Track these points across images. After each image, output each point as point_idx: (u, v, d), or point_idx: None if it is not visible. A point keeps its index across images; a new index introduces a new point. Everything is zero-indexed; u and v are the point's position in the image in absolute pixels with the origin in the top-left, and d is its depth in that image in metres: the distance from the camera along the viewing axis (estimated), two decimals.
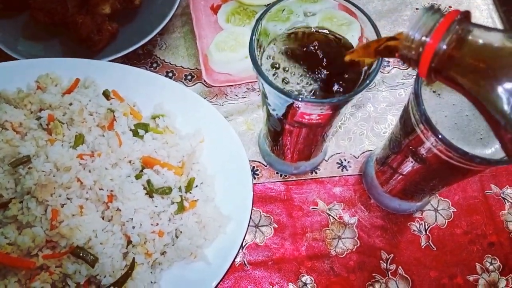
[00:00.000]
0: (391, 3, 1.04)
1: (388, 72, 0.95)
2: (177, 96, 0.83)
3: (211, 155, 0.80)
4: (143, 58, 0.97)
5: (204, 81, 0.91)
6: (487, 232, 0.79)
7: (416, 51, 0.40)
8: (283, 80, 0.57)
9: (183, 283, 0.71)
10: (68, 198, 0.68)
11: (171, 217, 0.72)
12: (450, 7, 1.04)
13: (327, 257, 0.77)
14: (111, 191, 0.69)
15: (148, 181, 0.71)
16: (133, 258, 0.68)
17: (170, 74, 0.95)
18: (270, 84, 0.52)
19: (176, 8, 0.95)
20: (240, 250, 0.77)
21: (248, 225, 0.74)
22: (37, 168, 0.67)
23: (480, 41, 0.37)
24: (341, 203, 0.81)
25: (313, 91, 0.56)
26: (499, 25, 1.00)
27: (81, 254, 0.64)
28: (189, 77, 0.95)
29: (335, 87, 0.56)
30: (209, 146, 0.81)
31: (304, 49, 0.59)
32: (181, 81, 0.94)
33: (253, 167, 0.85)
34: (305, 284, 0.75)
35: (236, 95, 0.92)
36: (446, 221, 0.80)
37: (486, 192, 0.82)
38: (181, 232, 0.71)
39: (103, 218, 0.69)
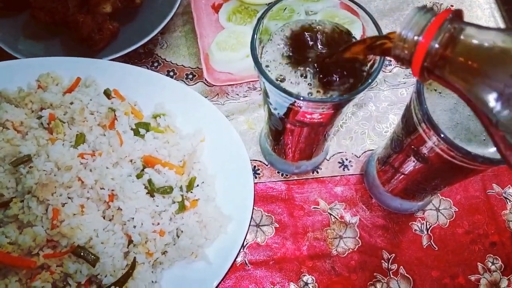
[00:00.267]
0: (393, 2, 1.04)
1: (389, 71, 0.95)
2: (178, 95, 0.83)
3: (212, 154, 0.80)
4: (144, 57, 0.96)
5: (205, 80, 0.91)
6: (489, 232, 0.79)
7: (409, 50, 0.40)
8: (282, 79, 0.57)
9: (184, 282, 0.70)
10: (69, 198, 0.67)
11: (172, 217, 0.72)
12: (452, 6, 1.03)
13: (328, 256, 0.77)
14: (112, 190, 0.69)
15: (149, 181, 0.71)
16: (134, 258, 0.68)
17: (171, 73, 0.95)
18: (272, 83, 0.52)
19: (177, 7, 0.95)
20: (241, 250, 0.77)
21: (249, 225, 0.74)
22: (38, 167, 0.67)
23: (472, 39, 0.37)
24: (343, 202, 0.81)
25: (315, 90, 0.55)
26: (501, 24, 1.00)
27: (82, 254, 0.64)
28: (190, 76, 0.95)
29: (337, 85, 0.55)
30: (210, 146, 0.80)
31: (306, 44, 0.58)
32: (182, 80, 0.94)
33: (254, 166, 0.85)
34: (306, 283, 0.75)
35: (237, 94, 0.92)
36: (448, 220, 0.80)
37: (488, 192, 0.82)
38: (182, 231, 0.71)
39: (104, 218, 0.69)
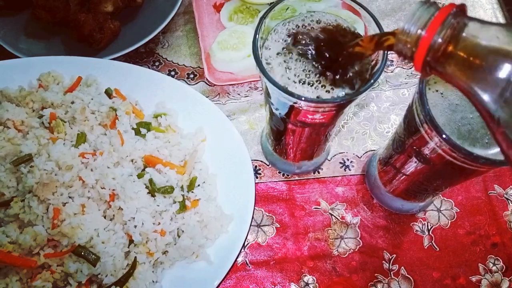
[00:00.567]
0: (394, 2, 1.04)
1: (391, 72, 0.95)
2: (179, 95, 0.83)
3: (213, 154, 0.80)
4: (145, 57, 0.96)
5: (207, 79, 0.90)
6: (490, 233, 0.79)
7: (412, 44, 0.39)
8: (287, 75, 0.56)
9: (185, 282, 0.70)
10: (70, 197, 0.67)
11: (173, 216, 0.72)
12: None
13: (329, 257, 0.77)
14: (113, 190, 0.69)
15: (150, 180, 0.71)
16: (135, 257, 0.68)
17: (173, 73, 0.95)
18: (274, 83, 0.52)
19: (179, 6, 0.95)
20: (242, 250, 0.77)
21: (250, 225, 0.74)
22: (39, 167, 0.66)
23: (475, 34, 0.37)
24: (344, 203, 0.81)
25: (317, 90, 0.55)
26: None
27: (82, 253, 0.64)
28: (192, 75, 0.94)
29: (341, 86, 0.55)
30: (211, 145, 0.80)
31: (308, 44, 0.58)
32: (183, 80, 0.94)
33: (256, 166, 0.85)
34: (307, 284, 0.75)
35: (239, 94, 0.92)
36: (449, 221, 0.80)
37: (490, 193, 0.82)
38: (183, 231, 0.71)
39: (105, 217, 0.69)
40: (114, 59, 0.88)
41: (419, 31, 0.39)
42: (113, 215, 0.69)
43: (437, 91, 0.55)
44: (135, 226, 0.68)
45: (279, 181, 0.83)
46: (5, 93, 0.79)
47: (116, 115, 0.76)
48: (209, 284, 0.69)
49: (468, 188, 0.82)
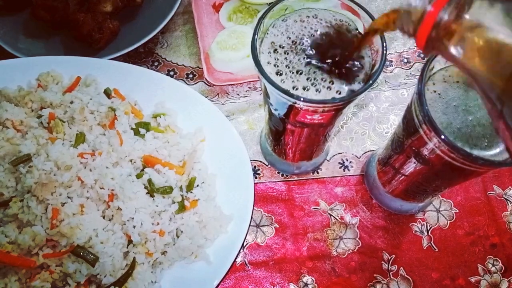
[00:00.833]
0: (393, 2, 1.03)
1: (390, 72, 0.95)
2: (178, 95, 0.83)
3: (213, 154, 0.79)
4: (144, 57, 0.96)
5: (206, 80, 0.90)
6: (489, 233, 0.79)
7: (416, 19, 0.38)
8: (285, 76, 0.56)
9: (184, 282, 0.70)
10: (68, 197, 0.67)
11: (172, 217, 0.72)
12: None
13: (328, 257, 0.77)
14: (112, 190, 0.68)
15: (149, 180, 0.71)
16: (134, 258, 0.68)
17: (172, 73, 0.95)
18: (272, 83, 0.52)
19: (178, 6, 0.95)
20: (241, 250, 0.77)
21: (249, 225, 0.74)
22: (38, 167, 0.66)
23: (482, 13, 0.35)
24: (343, 203, 0.81)
25: (316, 90, 0.55)
26: None
27: (81, 253, 0.64)
28: (191, 75, 0.94)
29: (340, 86, 0.55)
30: (211, 146, 0.80)
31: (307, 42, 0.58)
32: (182, 80, 0.94)
33: (255, 166, 0.85)
34: (306, 284, 0.75)
35: (238, 94, 0.92)
36: (448, 222, 0.80)
37: (489, 193, 0.82)
38: (182, 231, 0.71)
39: (103, 217, 0.69)
40: (113, 59, 0.87)
41: (424, 5, 0.37)
42: (112, 215, 0.69)
43: (435, 91, 0.55)
44: (134, 226, 0.68)
45: (278, 181, 0.83)
46: (4, 93, 0.79)
47: (115, 115, 0.76)
48: (208, 285, 0.69)
49: (467, 189, 0.82)
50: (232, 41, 0.89)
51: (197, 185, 0.75)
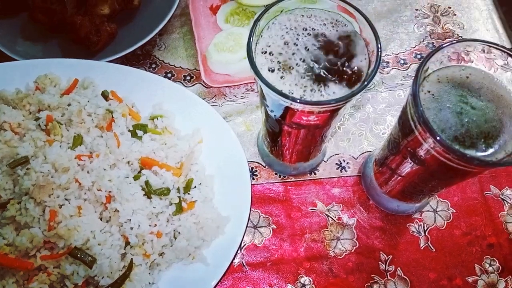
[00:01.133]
0: (390, 3, 1.04)
1: (387, 73, 0.95)
2: (176, 96, 0.83)
3: (210, 156, 0.80)
4: (142, 59, 0.96)
5: (203, 81, 0.91)
6: (486, 233, 0.79)
7: None
8: (281, 77, 0.57)
9: (181, 284, 0.71)
10: (66, 199, 0.68)
11: (169, 218, 0.72)
12: (449, 7, 1.03)
13: (325, 258, 0.77)
14: (110, 192, 0.69)
15: (147, 182, 0.71)
16: (131, 259, 0.68)
17: (169, 75, 0.95)
18: (268, 85, 0.52)
19: (175, 8, 0.95)
20: (239, 251, 0.77)
21: (247, 226, 0.74)
22: (36, 169, 0.67)
23: None
24: (340, 204, 0.81)
25: (312, 90, 0.55)
26: (499, 26, 1.00)
27: (79, 255, 0.64)
28: (188, 77, 0.95)
29: (335, 87, 0.55)
30: (208, 147, 0.80)
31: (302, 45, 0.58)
32: (180, 82, 0.94)
33: (252, 168, 0.85)
34: (303, 285, 0.75)
35: (235, 96, 0.92)
36: (445, 222, 0.80)
37: (486, 193, 0.82)
38: (179, 233, 0.71)
39: (101, 219, 0.69)
40: (111, 61, 0.88)
41: None
42: (109, 217, 0.69)
43: (429, 92, 0.55)
44: (132, 228, 0.68)
45: (275, 182, 0.84)
46: (2, 95, 0.79)
47: (112, 117, 0.77)
48: (205, 286, 0.69)
49: (464, 189, 0.82)
50: (229, 43, 0.89)
51: (195, 187, 0.75)
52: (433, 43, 0.98)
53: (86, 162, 0.70)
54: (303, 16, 0.60)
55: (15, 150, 0.70)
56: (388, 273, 0.76)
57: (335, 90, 0.55)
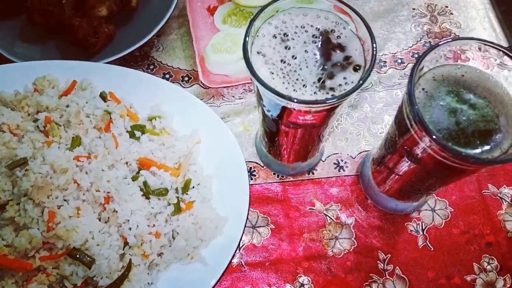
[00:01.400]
0: (387, 3, 1.04)
1: (384, 73, 0.95)
2: (174, 97, 0.83)
3: (208, 156, 0.80)
4: (140, 60, 0.97)
5: (201, 82, 0.91)
6: (484, 232, 0.79)
7: None
8: (277, 77, 0.57)
9: (180, 284, 0.71)
10: (64, 200, 0.68)
11: (167, 218, 0.72)
12: (446, 6, 1.04)
13: (324, 257, 0.77)
14: (108, 192, 0.69)
15: (145, 183, 0.71)
16: (130, 260, 0.68)
17: (167, 76, 0.95)
18: (264, 85, 0.52)
19: (173, 9, 0.96)
20: (237, 251, 0.77)
21: (245, 226, 0.74)
22: (34, 170, 0.67)
23: None
24: (338, 203, 0.81)
25: (308, 90, 0.56)
26: (496, 25, 1.00)
27: (78, 256, 0.64)
28: (186, 78, 0.95)
29: (331, 87, 0.56)
30: (206, 147, 0.81)
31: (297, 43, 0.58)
32: (178, 83, 0.94)
33: (250, 168, 0.85)
34: (302, 284, 0.75)
35: (233, 96, 0.92)
36: (443, 221, 0.80)
37: (483, 192, 0.82)
38: (177, 233, 0.72)
39: (99, 220, 0.70)
40: (109, 62, 0.88)
41: None
42: (108, 218, 0.70)
43: (423, 90, 0.55)
44: (130, 229, 0.68)
45: (273, 182, 0.84)
46: (0, 97, 0.79)
47: (110, 118, 0.77)
48: (204, 286, 0.69)
49: (462, 188, 0.82)
50: (227, 44, 0.90)
51: (193, 187, 0.76)
52: (430, 42, 0.99)
53: (85, 163, 0.71)
54: (298, 15, 0.60)
55: (14, 151, 0.70)
56: (386, 272, 0.76)
57: (332, 89, 0.55)
